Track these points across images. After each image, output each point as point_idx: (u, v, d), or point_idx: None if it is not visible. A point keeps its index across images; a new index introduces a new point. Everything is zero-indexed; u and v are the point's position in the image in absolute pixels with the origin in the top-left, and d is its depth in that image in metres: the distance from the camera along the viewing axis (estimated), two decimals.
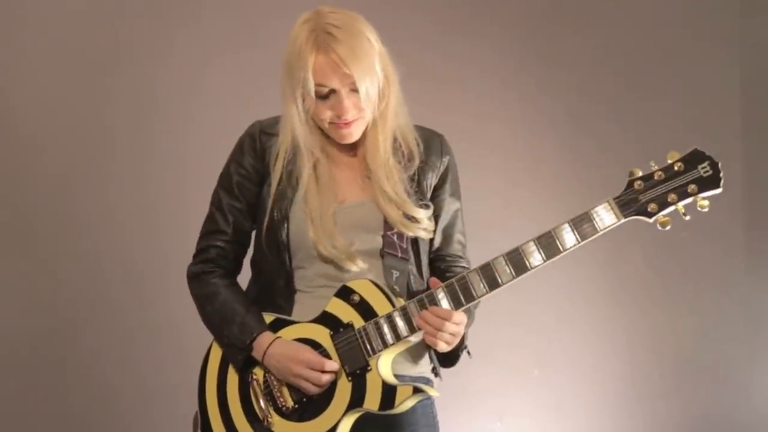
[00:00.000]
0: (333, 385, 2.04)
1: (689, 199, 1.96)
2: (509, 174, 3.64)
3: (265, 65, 3.35)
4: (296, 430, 2.05)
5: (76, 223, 3.33)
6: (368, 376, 2.03)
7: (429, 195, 2.17)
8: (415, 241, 2.14)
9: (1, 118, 3.31)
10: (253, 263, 2.23)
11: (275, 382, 2.08)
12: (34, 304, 3.27)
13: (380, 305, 2.04)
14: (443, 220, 2.19)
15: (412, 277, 2.13)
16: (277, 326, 2.11)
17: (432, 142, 2.19)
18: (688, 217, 1.97)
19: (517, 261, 1.98)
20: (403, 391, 2.01)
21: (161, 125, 3.40)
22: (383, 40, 2.10)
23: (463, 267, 2.19)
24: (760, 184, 3.78)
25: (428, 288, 2.06)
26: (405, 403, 2.01)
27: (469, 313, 2.11)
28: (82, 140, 3.35)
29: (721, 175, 1.94)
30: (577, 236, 1.98)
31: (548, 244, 1.98)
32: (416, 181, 2.14)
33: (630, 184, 1.98)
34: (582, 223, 1.98)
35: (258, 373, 2.10)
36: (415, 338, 2.06)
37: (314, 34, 2.02)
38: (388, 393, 2.01)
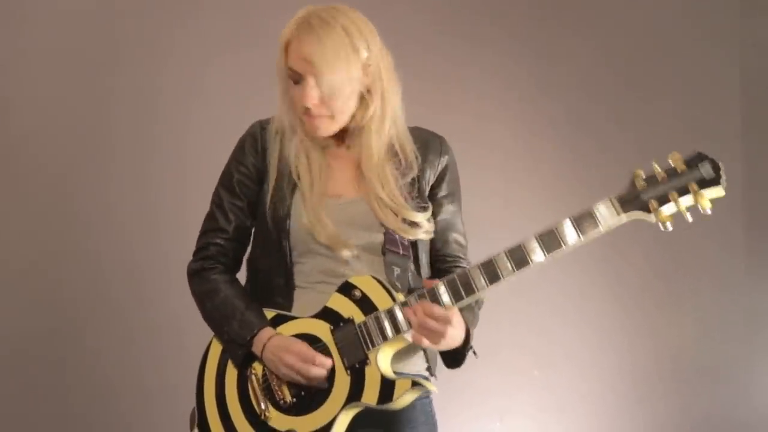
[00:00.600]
0: (331, 379, 2.04)
1: (690, 199, 1.96)
2: (509, 174, 3.64)
3: (264, 65, 3.35)
4: (294, 425, 2.05)
5: (76, 223, 3.33)
6: (367, 369, 2.03)
7: (427, 192, 2.18)
8: (414, 241, 2.15)
9: (1, 117, 3.31)
10: (250, 262, 2.23)
11: (274, 377, 2.08)
12: (34, 304, 3.28)
13: (381, 300, 2.04)
14: (442, 220, 2.20)
15: (411, 274, 2.14)
16: (277, 322, 2.11)
17: (431, 143, 2.21)
18: (690, 218, 1.98)
19: (519, 256, 1.99)
20: (401, 385, 2.01)
21: (161, 125, 3.40)
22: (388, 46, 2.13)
23: (464, 268, 2.19)
24: (760, 184, 3.78)
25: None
26: (403, 397, 2.01)
27: (473, 314, 2.12)
28: (82, 140, 3.36)
29: (723, 176, 1.95)
30: (579, 233, 1.98)
31: (550, 240, 1.98)
32: (416, 185, 2.16)
33: (632, 182, 1.99)
34: (583, 219, 1.99)
35: (257, 369, 2.11)
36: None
37: (297, 22, 2.08)
38: (387, 387, 2.01)
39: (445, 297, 2.01)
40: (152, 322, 3.28)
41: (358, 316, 2.05)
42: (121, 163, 3.37)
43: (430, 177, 2.18)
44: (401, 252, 2.12)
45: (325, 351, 2.05)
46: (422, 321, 1.98)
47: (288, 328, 2.10)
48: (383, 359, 2.04)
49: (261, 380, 2.10)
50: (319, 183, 2.13)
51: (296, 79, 2.08)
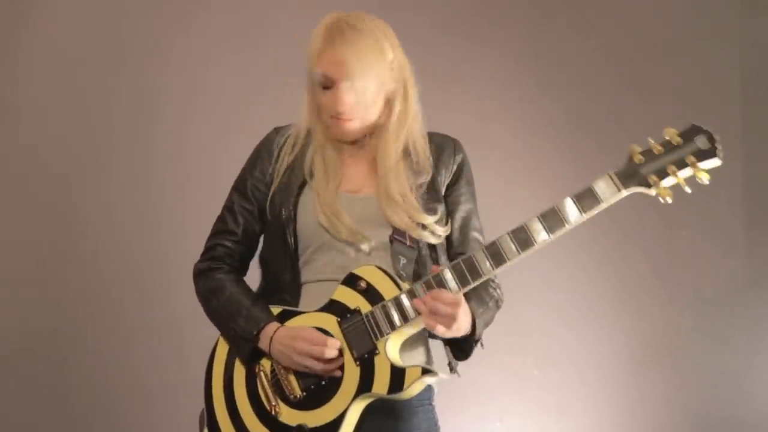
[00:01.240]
0: (341, 371, 2.04)
1: (689, 170, 1.99)
2: (509, 174, 3.64)
3: (265, 67, 3.38)
4: (305, 419, 2.05)
5: (77, 224, 3.34)
6: (376, 359, 2.03)
7: (443, 193, 2.20)
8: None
9: (3, 118, 3.31)
10: (262, 261, 2.25)
11: (282, 372, 2.09)
12: (34, 304, 3.28)
13: (387, 290, 2.05)
14: (458, 219, 2.21)
15: (420, 266, 2.14)
16: (284, 318, 2.12)
17: (445, 145, 2.24)
18: (689, 190, 2.00)
19: (522, 237, 2.00)
20: (411, 373, 2.00)
21: (162, 126, 3.40)
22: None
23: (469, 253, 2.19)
24: (760, 184, 3.78)
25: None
26: (414, 386, 2.01)
27: (485, 308, 2.12)
28: (83, 140, 3.36)
29: (718, 146, 1.98)
30: (580, 210, 2.00)
31: (552, 219, 2.00)
32: (429, 185, 2.17)
33: (630, 158, 2.02)
34: (584, 197, 2.01)
35: (265, 365, 2.11)
36: (422, 322, 2.05)
37: (329, 27, 2.10)
38: (397, 375, 2.01)
39: (451, 283, 2.02)
40: (152, 322, 3.29)
41: (365, 307, 2.05)
42: (122, 163, 3.38)
43: (445, 177, 2.21)
44: (408, 243, 2.12)
45: None
46: (433, 306, 1.98)
47: (295, 323, 2.10)
48: (392, 348, 2.04)
49: (270, 376, 2.10)
50: (334, 180, 2.15)
51: (328, 84, 2.10)
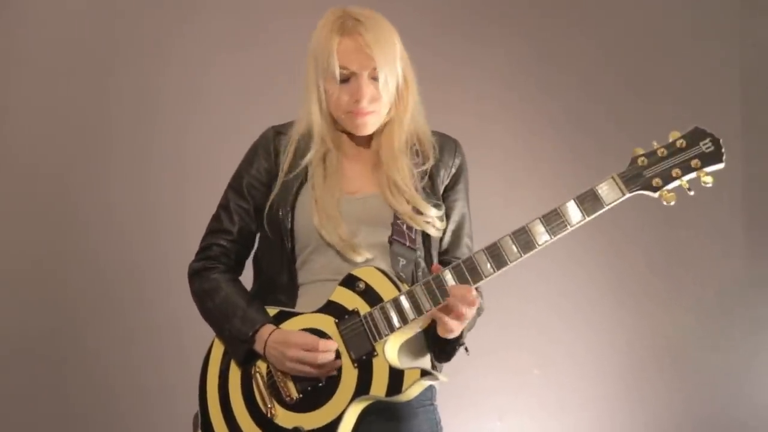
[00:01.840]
0: (338, 372, 2.03)
1: (693, 174, 1.99)
2: (509, 174, 3.64)
3: (265, 66, 3.38)
4: (301, 421, 2.04)
5: (76, 224, 3.34)
6: (375, 361, 2.01)
7: (441, 192, 2.18)
8: (427, 236, 2.15)
9: (1, 117, 3.31)
10: (256, 260, 2.23)
11: (279, 373, 2.07)
12: (34, 304, 3.28)
13: (386, 291, 2.03)
14: (453, 222, 2.20)
15: (419, 268, 2.13)
16: (281, 319, 2.10)
17: (446, 145, 2.22)
18: (692, 193, 2.00)
19: (524, 239, 1.99)
20: (410, 375, 1.98)
21: (161, 126, 3.40)
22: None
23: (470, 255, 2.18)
24: (760, 184, 3.78)
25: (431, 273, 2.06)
26: (412, 388, 1.99)
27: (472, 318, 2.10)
28: (82, 140, 3.36)
29: (723, 150, 1.98)
30: (583, 212, 1.99)
31: (554, 221, 2.00)
32: (429, 179, 2.16)
33: (633, 160, 2.02)
34: (587, 199, 2.00)
35: (261, 366, 2.10)
36: (421, 323, 2.05)
37: (341, 20, 2.09)
38: (396, 378, 1.99)
39: (451, 284, 2.00)
40: (152, 323, 3.29)
41: (363, 308, 2.03)
42: (121, 163, 3.38)
43: (444, 177, 2.19)
44: (407, 244, 2.11)
45: None
46: (455, 306, 1.96)
47: (292, 325, 2.08)
48: (391, 350, 2.02)
49: (266, 378, 2.09)
50: (333, 182, 2.13)
51: (346, 77, 2.08)
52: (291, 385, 2.06)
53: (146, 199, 3.37)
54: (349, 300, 2.05)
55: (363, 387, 2.01)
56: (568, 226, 1.99)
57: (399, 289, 2.03)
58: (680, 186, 1.99)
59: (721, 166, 1.98)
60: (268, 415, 2.06)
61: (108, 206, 3.35)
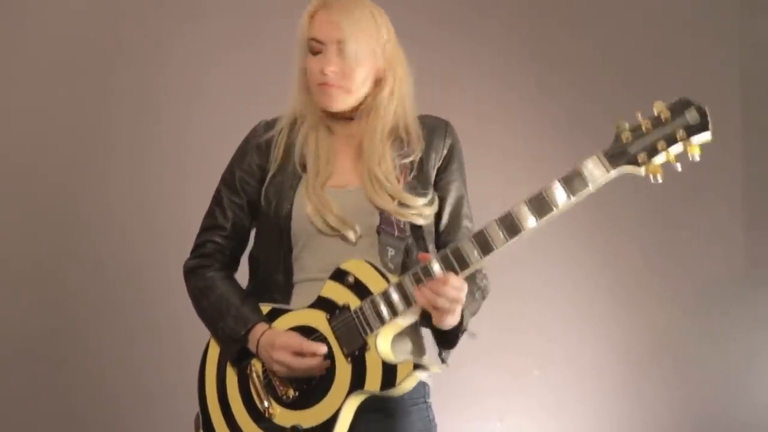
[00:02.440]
0: (333, 368, 2.02)
1: (679, 146, 1.90)
2: (509, 174, 3.64)
3: (265, 65, 3.38)
4: (299, 419, 2.03)
5: (77, 223, 3.33)
6: (367, 355, 1.99)
7: (433, 177, 2.16)
8: (419, 226, 2.12)
9: (1, 117, 3.31)
10: (251, 258, 2.22)
11: (275, 373, 2.06)
12: (34, 304, 3.28)
13: (375, 283, 2.01)
14: (449, 204, 2.18)
15: (410, 255, 2.10)
16: (273, 316, 2.09)
17: (437, 128, 2.19)
18: (679, 167, 1.91)
19: (510, 224, 1.94)
20: (403, 369, 1.97)
21: (162, 125, 3.40)
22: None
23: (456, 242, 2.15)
24: (760, 184, 3.78)
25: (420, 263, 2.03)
26: (406, 381, 1.97)
27: (472, 298, 2.08)
28: (82, 140, 3.36)
29: (709, 119, 1.89)
30: (569, 193, 1.94)
31: (539, 203, 1.94)
32: (417, 167, 2.14)
33: (617, 137, 1.94)
34: (572, 179, 1.94)
35: (256, 365, 2.09)
36: (411, 315, 2.03)
37: None
38: (389, 371, 1.97)
39: (438, 273, 1.96)
40: (153, 322, 3.28)
41: (354, 302, 2.02)
42: (122, 163, 3.38)
43: (435, 161, 2.17)
44: (396, 233, 2.08)
45: (322, 341, 2.02)
46: (441, 290, 1.93)
47: (284, 322, 2.07)
48: (383, 344, 2.00)
49: (262, 377, 2.08)
50: (324, 172, 2.12)
51: (318, 50, 2.08)
52: (287, 383, 2.05)
53: (147, 199, 3.36)
54: (340, 294, 2.03)
55: (358, 382, 1.99)
56: (554, 208, 1.93)
57: (388, 281, 2.01)
58: (667, 161, 1.90)
59: (707, 135, 1.89)
60: (266, 414, 2.06)
61: (108, 206, 3.35)
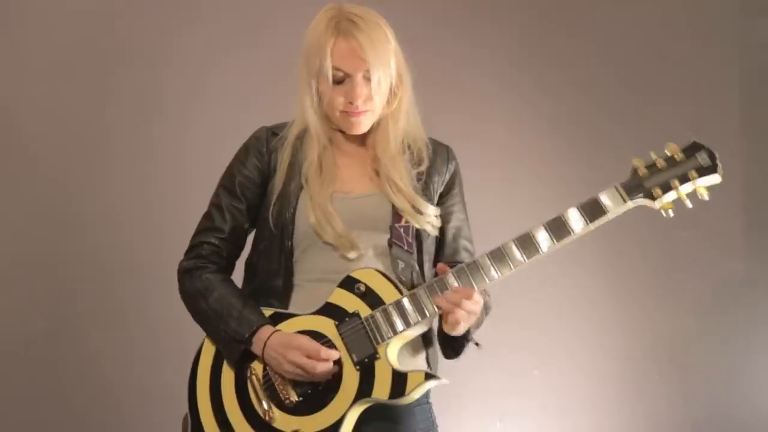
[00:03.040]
0: (339, 375, 2.02)
1: (690, 186, 2.05)
2: (509, 174, 3.64)
3: (266, 66, 3.38)
4: (300, 425, 2.02)
5: (77, 223, 3.33)
6: (377, 364, 2.00)
7: (435, 200, 2.19)
8: (417, 238, 2.15)
9: (2, 117, 3.31)
10: (249, 264, 2.22)
11: (278, 376, 2.04)
12: (34, 304, 3.28)
13: (388, 293, 2.03)
14: (451, 229, 2.21)
15: (414, 272, 2.13)
16: (276, 320, 2.08)
17: (439, 151, 2.23)
18: (690, 205, 2.07)
19: (528, 245, 2.03)
20: (414, 378, 1.98)
21: (162, 125, 3.40)
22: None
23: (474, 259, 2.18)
24: (760, 184, 3.78)
25: (436, 274, 2.07)
26: (416, 390, 1.98)
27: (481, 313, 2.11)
28: (82, 140, 3.36)
29: (718, 163, 2.05)
30: (586, 220, 2.04)
31: (558, 228, 2.04)
32: (423, 182, 2.17)
33: (634, 171, 2.07)
34: (590, 207, 2.05)
35: (257, 368, 2.07)
36: (423, 326, 2.06)
37: (335, 20, 2.09)
38: (399, 380, 1.99)
39: (454, 287, 2.02)
40: (153, 322, 3.29)
41: (364, 310, 2.03)
42: (122, 162, 3.38)
43: (438, 185, 2.20)
44: (405, 248, 2.11)
45: (330, 347, 2.02)
46: (462, 303, 1.99)
47: (289, 326, 2.07)
48: (392, 353, 2.02)
49: (262, 381, 2.06)
50: (328, 181, 2.13)
51: (341, 79, 2.08)
52: (290, 387, 2.04)
53: (147, 199, 3.37)
54: (349, 302, 2.04)
55: (365, 390, 2.00)
56: (572, 234, 2.04)
57: (401, 292, 2.03)
58: (679, 198, 2.06)
59: (716, 178, 2.05)
60: (266, 419, 2.04)
61: (108, 206, 3.35)
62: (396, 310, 2.02)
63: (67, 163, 3.34)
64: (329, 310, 2.05)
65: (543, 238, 2.03)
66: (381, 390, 1.99)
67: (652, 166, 2.06)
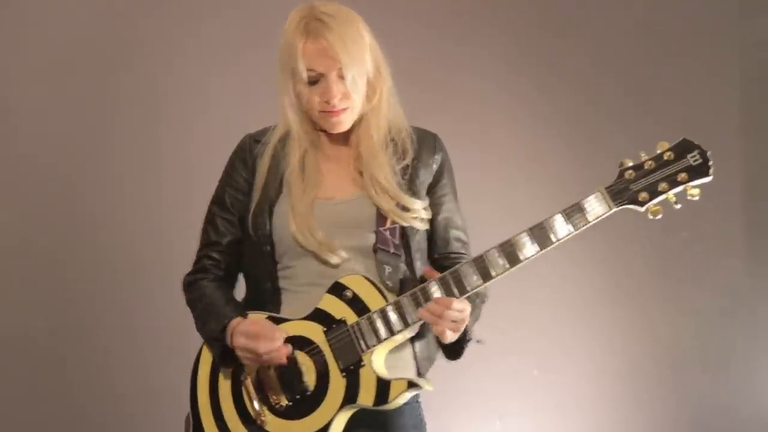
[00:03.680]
0: (327, 381, 2.05)
1: (680, 188, 1.97)
2: (507, 174, 3.65)
3: (269, 67, 3.38)
4: (290, 428, 2.06)
5: (81, 223, 3.34)
6: (362, 371, 2.03)
7: (423, 193, 2.17)
8: (404, 238, 2.14)
9: (5, 117, 3.32)
10: (243, 271, 2.25)
11: (267, 380, 2.08)
12: (37, 304, 3.29)
13: (373, 301, 2.04)
14: (441, 220, 2.20)
15: (402, 274, 2.13)
16: None
17: (425, 140, 2.20)
18: (678, 206, 1.99)
19: (510, 252, 2.00)
20: (397, 386, 2.01)
21: (166, 126, 3.41)
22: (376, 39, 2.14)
23: (456, 266, 2.18)
24: (760, 184, 3.78)
25: (422, 276, 2.08)
26: (400, 397, 2.02)
27: (474, 306, 2.10)
28: (86, 141, 3.37)
29: (710, 163, 1.96)
30: (570, 226, 1.99)
31: (541, 234, 2.00)
32: (409, 176, 2.15)
33: (621, 173, 2.00)
34: (574, 213, 2.00)
35: (250, 371, 2.11)
36: (408, 333, 2.07)
37: (304, 21, 2.08)
38: (383, 388, 2.01)
39: (437, 295, 2.02)
40: (156, 323, 3.30)
41: (350, 317, 2.05)
42: (126, 163, 3.39)
43: (426, 176, 2.18)
44: (392, 251, 2.11)
45: (319, 353, 2.05)
46: (443, 313, 1.98)
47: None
48: (377, 360, 2.04)
49: (255, 384, 2.10)
50: (311, 188, 2.13)
51: (316, 79, 2.08)
52: (280, 391, 2.08)
53: (151, 200, 3.38)
54: (337, 308, 2.06)
55: (351, 396, 2.03)
56: (555, 239, 2.00)
57: (386, 300, 2.04)
58: (666, 199, 1.98)
59: (708, 179, 1.97)
60: (258, 422, 2.08)
61: (112, 206, 3.36)
62: (380, 318, 2.03)
63: (70, 164, 3.35)
64: (318, 315, 2.07)
65: (526, 244, 1.99)
66: (366, 397, 2.02)
67: (639, 168, 1.98)
